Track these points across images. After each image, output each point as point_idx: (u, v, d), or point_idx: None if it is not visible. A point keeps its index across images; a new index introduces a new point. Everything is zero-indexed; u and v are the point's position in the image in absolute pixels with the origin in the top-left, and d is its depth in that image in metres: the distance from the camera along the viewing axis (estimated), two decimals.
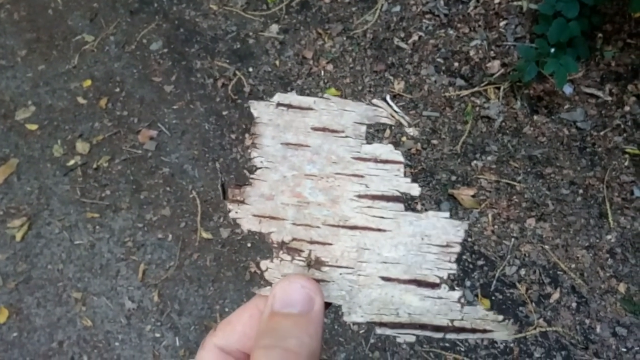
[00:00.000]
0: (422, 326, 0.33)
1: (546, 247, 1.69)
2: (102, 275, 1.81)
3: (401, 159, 0.34)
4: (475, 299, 1.60)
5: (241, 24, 2.41)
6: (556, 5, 1.88)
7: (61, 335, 1.73)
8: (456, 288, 0.34)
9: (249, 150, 0.35)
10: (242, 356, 0.34)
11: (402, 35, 2.26)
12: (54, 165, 2.11)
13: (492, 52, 2.14)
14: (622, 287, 1.59)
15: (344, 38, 2.31)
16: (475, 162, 1.89)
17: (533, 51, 1.92)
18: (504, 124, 1.96)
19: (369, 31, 2.29)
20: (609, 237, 1.69)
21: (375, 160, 0.34)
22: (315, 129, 0.34)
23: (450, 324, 0.33)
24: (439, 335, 0.33)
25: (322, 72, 2.23)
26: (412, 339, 0.33)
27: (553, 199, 1.77)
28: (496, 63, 2.12)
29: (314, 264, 0.34)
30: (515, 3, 2.23)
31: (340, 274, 0.34)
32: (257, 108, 0.35)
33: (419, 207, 1.84)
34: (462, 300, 0.33)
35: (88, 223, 1.93)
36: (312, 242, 0.34)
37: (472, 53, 2.16)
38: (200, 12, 2.47)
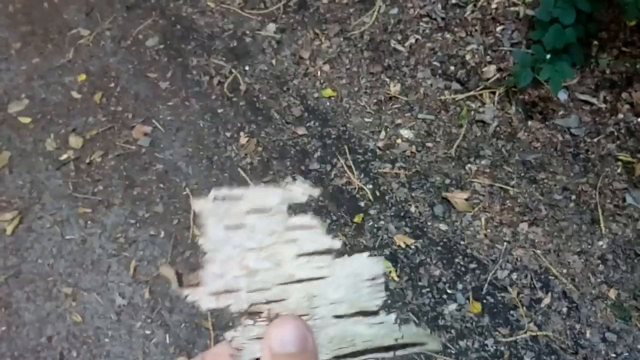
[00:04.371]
0: (376, 349, 0.38)
1: (538, 251, 1.70)
2: (93, 271, 1.80)
3: (318, 222, 0.40)
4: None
5: (238, 22, 2.40)
6: (553, 12, 1.89)
7: (50, 331, 1.71)
8: (391, 310, 0.40)
9: (197, 240, 0.40)
10: None
11: (399, 37, 2.27)
12: (46, 160, 2.09)
13: (488, 56, 2.15)
14: (612, 293, 1.60)
15: (341, 39, 2.31)
16: (469, 165, 1.90)
17: (529, 57, 1.93)
18: (498, 128, 1.97)
19: (366, 33, 2.30)
20: (600, 243, 1.70)
21: (302, 227, 0.40)
22: (248, 212, 0.40)
23: (396, 342, 0.39)
24: (390, 354, 0.39)
25: (319, 72, 2.23)
26: None
27: (546, 204, 1.78)
28: (492, 68, 2.13)
29: (275, 319, 0.38)
30: (512, 9, 2.24)
31: None
32: (198, 204, 0.39)
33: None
34: (398, 320, 0.39)
35: (80, 218, 1.92)
36: (268, 302, 0.38)
37: (468, 57, 2.17)
38: (197, 9, 2.46)
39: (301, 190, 0.40)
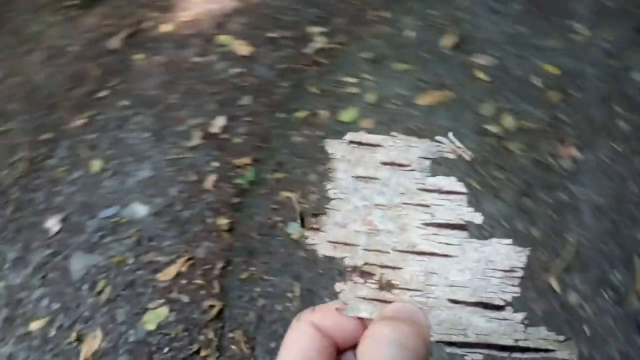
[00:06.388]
0: (489, 346, 0.34)
1: None
2: None
3: (464, 190, 0.36)
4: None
5: None
6: None
7: None
8: (519, 310, 0.34)
9: (324, 183, 0.38)
10: (331, 342, 0.35)
11: None
12: (474, 122, 2.15)
13: None
14: None
15: None
16: None
17: None
18: None
19: None
20: None
21: (440, 191, 0.36)
22: (383, 163, 0.37)
23: (515, 344, 0.34)
24: (505, 354, 0.35)
25: None
26: (480, 357, 0.34)
27: None
28: None
29: (386, 286, 0.36)
30: None
31: (410, 296, 0.36)
32: (332, 146, 0.38)
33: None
34: (526, 321, 0.35)
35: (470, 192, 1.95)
36: (382, 267, 0.36)
37: None
38: None
39: (452, 146, 0.37)
